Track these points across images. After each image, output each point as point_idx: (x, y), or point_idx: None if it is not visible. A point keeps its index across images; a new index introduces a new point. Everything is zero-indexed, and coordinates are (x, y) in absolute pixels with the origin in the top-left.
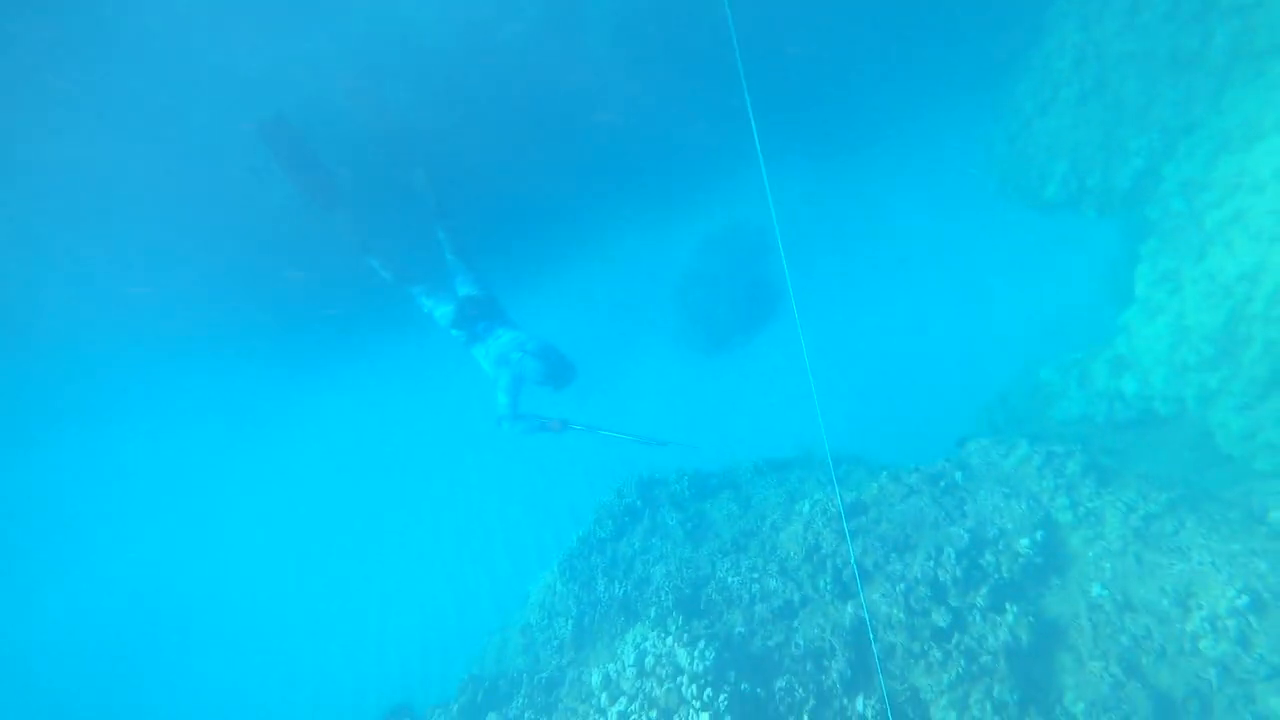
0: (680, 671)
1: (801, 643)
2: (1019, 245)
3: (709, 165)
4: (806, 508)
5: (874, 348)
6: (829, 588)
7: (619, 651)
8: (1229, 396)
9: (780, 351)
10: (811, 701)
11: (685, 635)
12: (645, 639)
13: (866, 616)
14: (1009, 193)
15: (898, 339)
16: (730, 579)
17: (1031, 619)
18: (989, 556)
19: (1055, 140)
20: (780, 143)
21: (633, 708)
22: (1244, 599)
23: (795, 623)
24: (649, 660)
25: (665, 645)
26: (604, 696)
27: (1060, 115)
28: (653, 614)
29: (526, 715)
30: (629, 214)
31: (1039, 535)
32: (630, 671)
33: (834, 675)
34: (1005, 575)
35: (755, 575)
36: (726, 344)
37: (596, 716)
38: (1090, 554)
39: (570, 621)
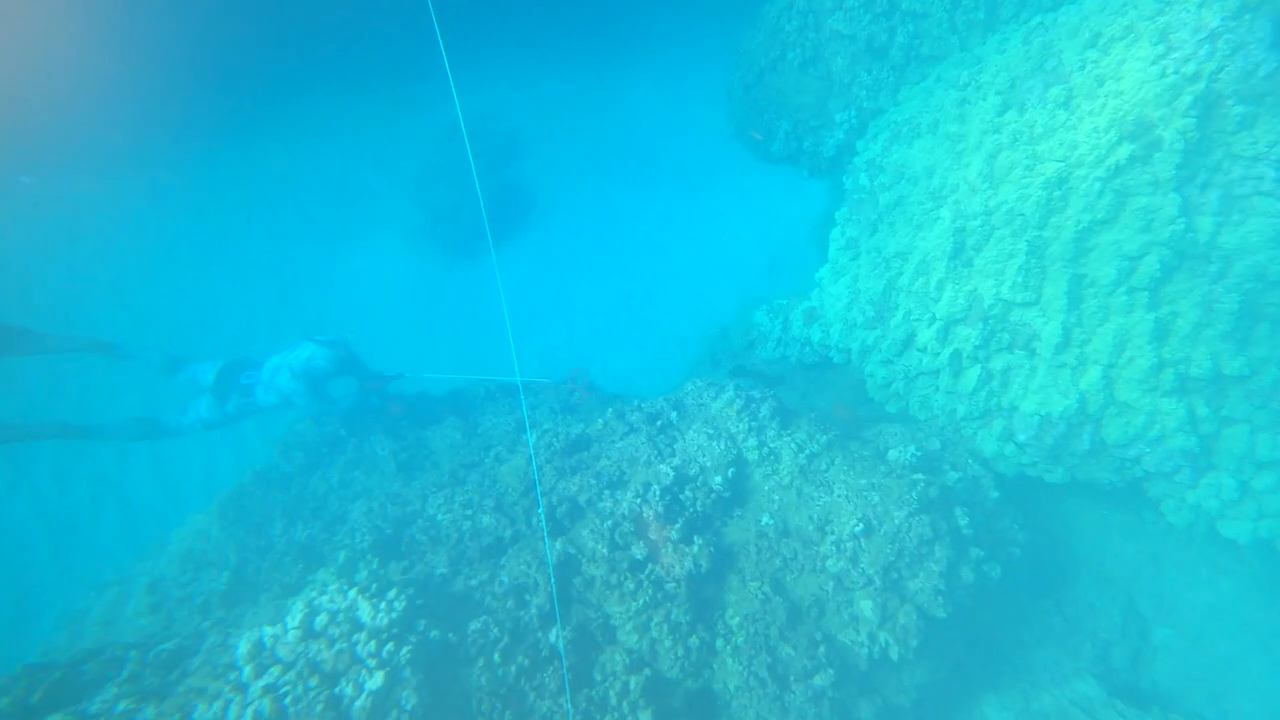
0: (359, 628)
1: (506, 580)
2: (754, 187)
3: (440, 49)
4: (533, 439)
5: (622, 268)
6: (541, 524)
7: (288, 608)
8: (878, 352)
9: (532, 265)
10: (505, 640)
11: (374, 584)
12: (322, 593)
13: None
14: (743, 139)
15: (644, 261)
16: (441, 516)
17: (713, 549)
18: (688, 492)
19: (782, 98)
20: (535, 34)
21: (286, 678)
22: (860, 526)
23: (503, 560)
24: (320, 619)
25: (345, 599)
26: (249, 669)
27: (786, 75)
28: (341, 559)
29: (118, 708)
30: (345, 85)
31: (730, 472)
32: (293, 635)
33: (533, 610)
34: (699, 509)
35: (469, 512)
36: (472, 251)
37: (231, 695)
38: (766, 487)
39: (226, 573)
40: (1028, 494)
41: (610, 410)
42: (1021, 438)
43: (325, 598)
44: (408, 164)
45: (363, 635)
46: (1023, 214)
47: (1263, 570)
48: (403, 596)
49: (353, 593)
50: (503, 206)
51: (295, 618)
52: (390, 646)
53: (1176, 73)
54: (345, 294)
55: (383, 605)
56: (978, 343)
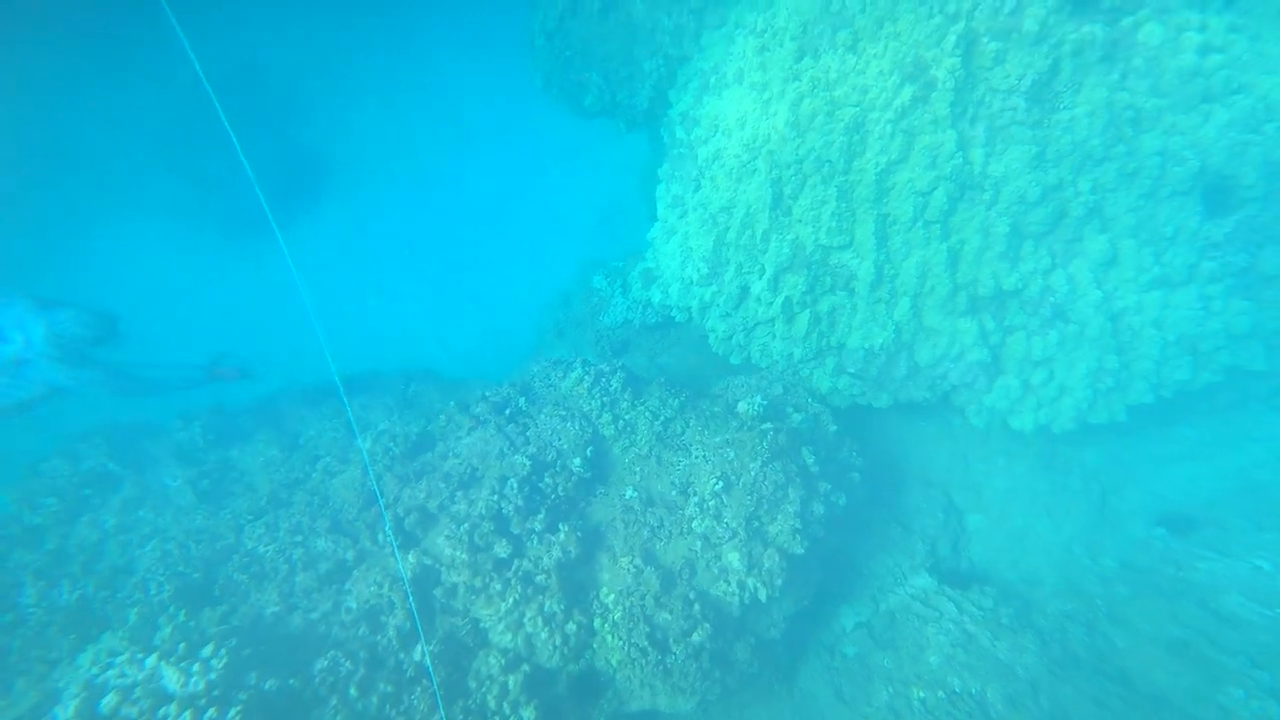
0: (166, 699)
1: (354, 605)
2: (575, 141)
3: None
4: (369, 443)
5: (442, 238)
6: (388, 539)
7: (59, 693)
8: (716, 307)
9: (339, 238)
10: (361, 671)
11: (182, 644)
12: (107, 667)
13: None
14: (554, 93)
15: (468, 228)
16: (262, 548)
17: (580, 533)
18: (548, 479)
19: (587, 47)
20: None
21: None
22: (719, 484)
23: (348, 584)
24: (109, 700)
25: (142, 669)
26: None
27: (588, 22)
28: (133, 618)
29: None
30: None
31: (589, 451)
32: None
33: (390, 631)
34: (561, 494)
35: (298, 538)
36: (255, 227)
37: None
38: (626, 460)
39: None
40: (859, 420)
41: (452, 403)
42: (851, 370)
43: (113, 672)
44: (151, 127)
45: (173, 707)
46: (830, 160)
47: (1043, 450)
48: (223, 651)
49: (152, 659)
50: (290, 173)
51: (69, 707)
52: (212, 712)
53: (941, 12)
54: (100, 290)
55: (195, 667)
56: (805, 288)
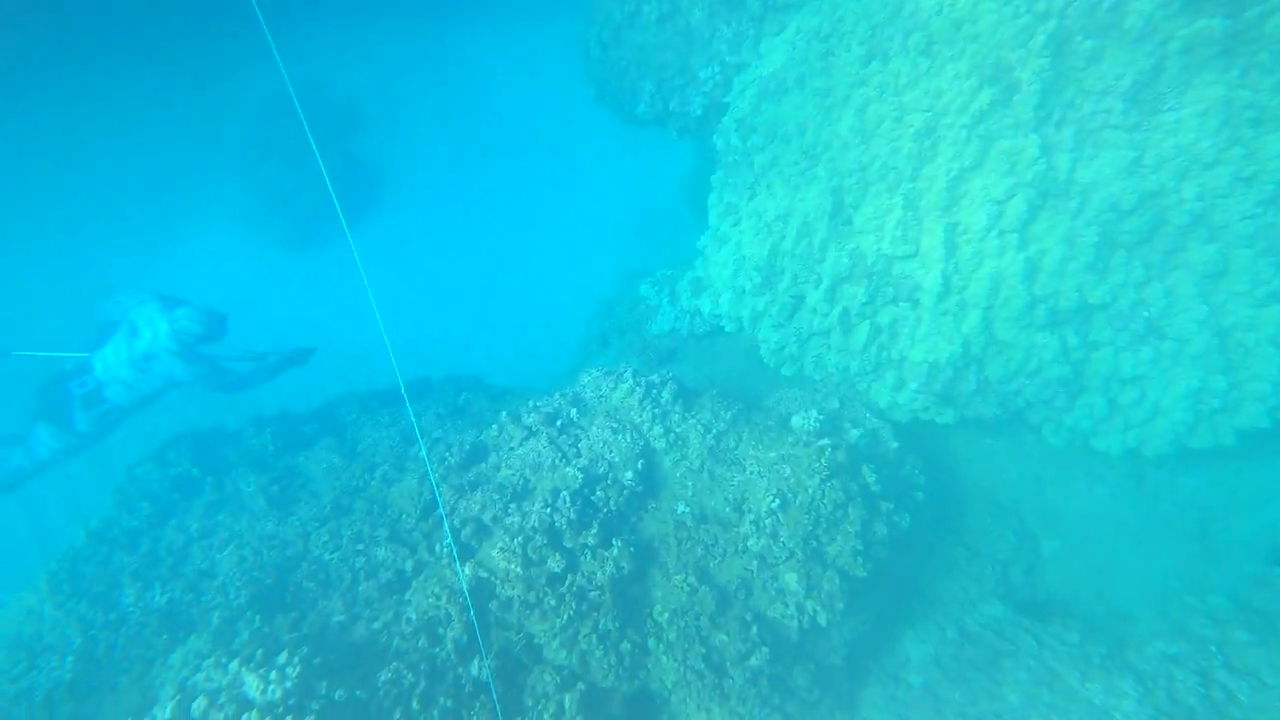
0: (249, 706)
1: (414, 616)
2: (620, 148)
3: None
4: (424, 452)
5: (487, 248)
6: (445, 551)
7: (155, 689)
8: (768, 317)
9: (390, 250)
10: (422, 684)
11: (259, 650)
12: (196, 670)
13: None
14: (607, 102)
15: (512, 238)
16: (328, 555)
17: (633, 548)
18: (599, 493)
19: (643, 56)
20: None
21: None
22: (776, 501)
23: (407, 595)
24: (199, 704)
25: (227, 674)
26: None
27: (645, 31)
28: (215, 621)
29: None
30: (136, 50)
31: (640, 465)
32: None
33: (449, 645)
34: (613, 508)
35: (360, 546)
36: (318, 238)
37: None
38: (677, 474)
39: (69, 658)
40: (922, 436)
41: (504, 413)
42: (913, 386)
43: (201, 675)
44: (229, 143)
45: (254, 714)
46: (895, 167)
47: (1130, 473)
48: (296, 659)
49: (234, 664)
50: (348, 185)
51: (166, 708)
52: None
53: (1029, 11)
54: (182, 290)
55: (273, 675)
56: (864, 299)
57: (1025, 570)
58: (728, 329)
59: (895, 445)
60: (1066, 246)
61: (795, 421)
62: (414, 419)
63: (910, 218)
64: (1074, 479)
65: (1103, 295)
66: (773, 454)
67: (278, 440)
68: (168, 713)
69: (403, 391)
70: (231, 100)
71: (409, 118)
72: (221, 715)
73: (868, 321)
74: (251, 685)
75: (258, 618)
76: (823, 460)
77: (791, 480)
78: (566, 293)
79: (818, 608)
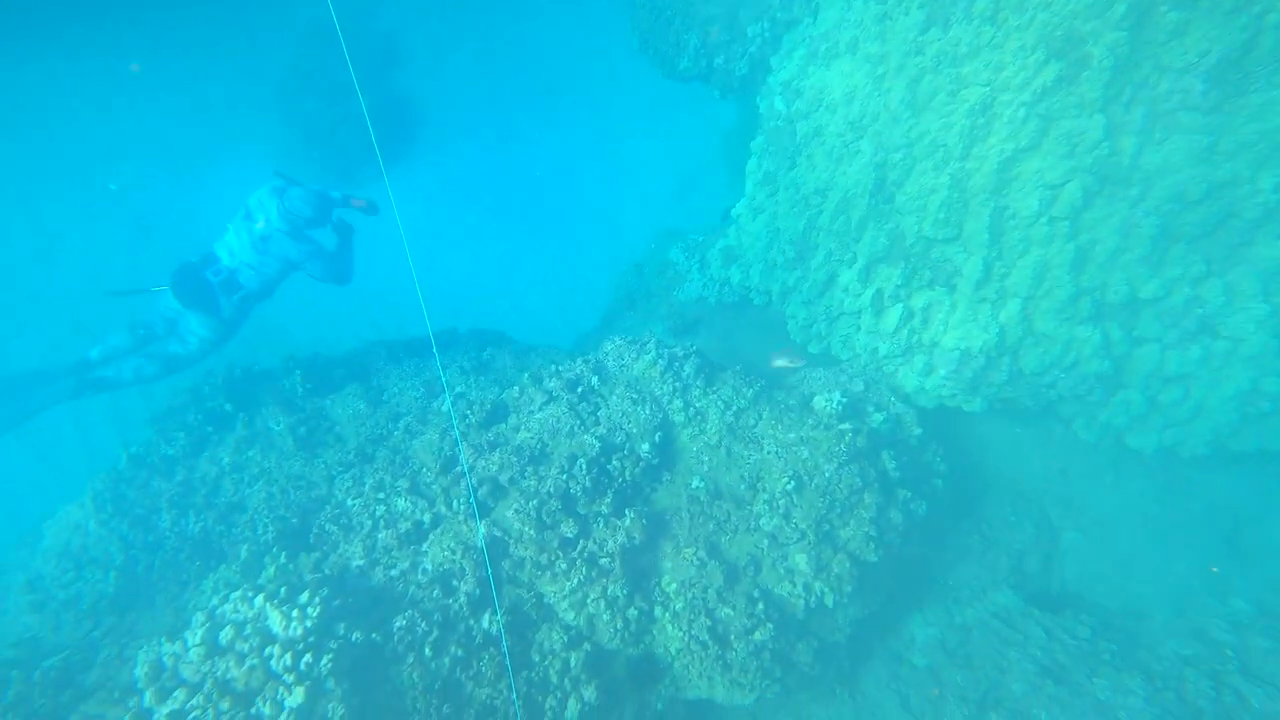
0: (271, 640)
1: (430, 568)
2: (662, 99)
3: None
4: (446, 406)
5: (521, 195)
6: (463, 507)
7: (187, 612)
8: (799, 293)
9: (420, 192)
10: (435, 633)
11: (283, 587)
12: (225, 600)
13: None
14: (649, 54)
15: (546, 186)
16: (351, 501)
17: (645, 519)
18: (616, 462)
19: (690, 8)
20: None
21: (193, 702)
22: (791, 483)
23: (424, 546)
24: (226, 633)
25: (252, 608)
26: (151, 694)
27: None
28: (244, 554)
29: None
30: None
31: (657, 437)
32: (195, 653)
33: (462, 598)
34: (628, 478)
35: (381, 495)
36: (354, 176)
37: None
38: (694, 449)
39: (112, 573)
40: (946, 421)
41: (526, 375)
42: (942, 372)
43: (229, 606)
44: (270, 72)
45: (276, 648)
46: (945, 144)
47: (1161, 470)
48: (317, 599)
49: (259, 599)
50: (386, 124)
51: (197, 633)
52: (308, 658)
53: None
54: (210, 222)
55: (295, 613)
56: (899, 281)
57: (1041, 561)
58: (756, 301)
59: (918, 432)
60: (1121, 237)
61: (817, 403)
62: (441, 373)
63: (956, 199)
64: (1102, 473)
65: (1155, 290)
66: (792, 435)
67: (307, 382)
68: (198, 637)
69: (433, 347)
70: (273, 26)
71: (449, 55)
72: (246, 646)
73: (901, 304)
74: (275, 620)
75: (283, 554)
76: (842, 445)
77: (809, 463)
78: (597, 245)
79: (825, 589)
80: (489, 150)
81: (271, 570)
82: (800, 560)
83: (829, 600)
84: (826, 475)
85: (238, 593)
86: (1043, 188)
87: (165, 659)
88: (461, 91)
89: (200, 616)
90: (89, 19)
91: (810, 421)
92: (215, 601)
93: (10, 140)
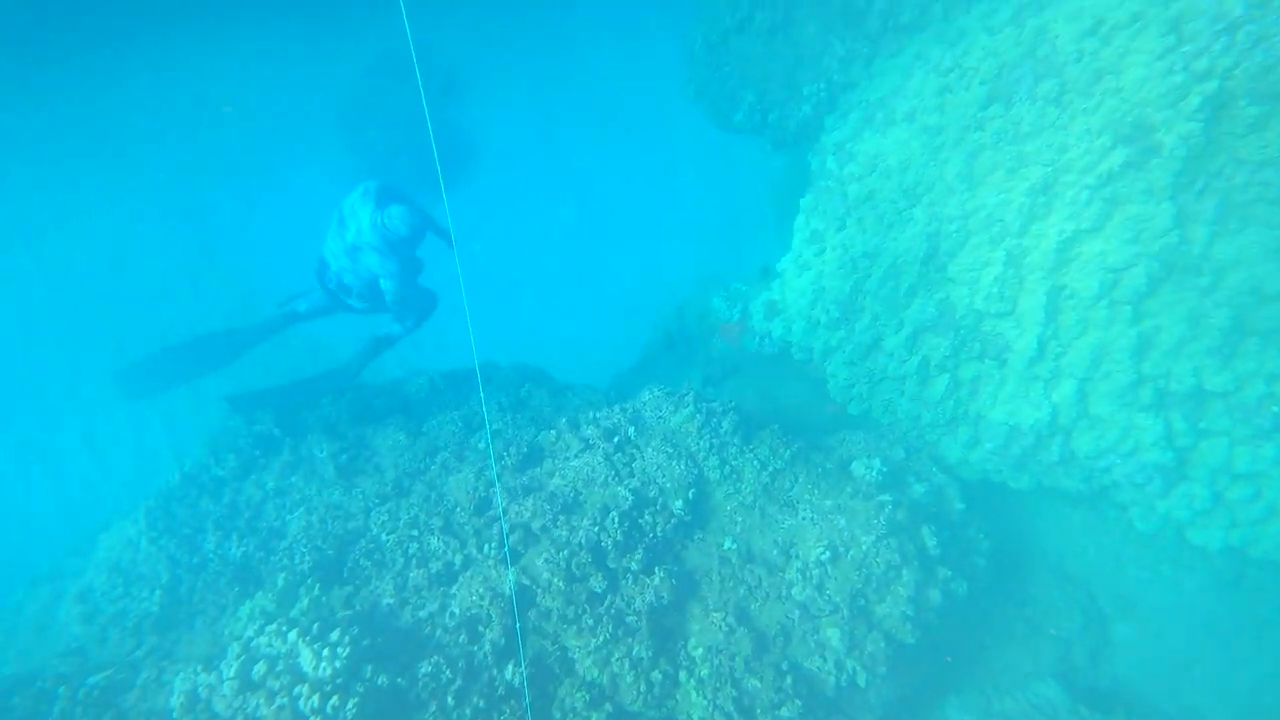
0: (301, 679)
1: (457, 611)
2: (710, 144)
3: None
4: (482, 444)
5: (568, 229)
6: (493, 551)
7: (224, 639)
8: (841, 353)
9: (469, 222)
10: (459, 681)
11: (316, 623)
12: (260, 633)
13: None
14: (704, 105)
15: (592, 224)
16: (385, 536)
17: (674, 579)
18: (648, 517)
19: (748, 65)
20: None
21: None
22: (826, 553)
23: (454, 589)
24: (259, 668)
25: (285, 643)
26: None
27: (754, 40)
28: (280, 583)
29: None
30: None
31: (691, 494)
32: (229, 686)
33: (487, 646)
34: (659, 534)
35: (415, 532)
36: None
37: None
38: (728, 508)
39: (158, 592)
40: (991, 496)
41: (564, 420)
42: (988, 446)
43: (264, 639)
44: (334, 99)
45: (305, 688)
46: (1002, 220)
47: (1227, 569)
48: (347, 639)
49: (293, 635)
50: (442, 154)
51: (232, 666)
52: (335, 700)
53: (1185, 69)
54: (269, 240)
55: (325, 652)
56: (947, 351)
57: (1090, 653)
58: (796, 357)
59: (960, 506)
60: (1188, 326)
61: (856, 469)
62: (485, 413)
63: (1011, 275)
64: (1159, 565)
65: (1224, 383)
66: (829, 502)
67: (352, 410)
68: (233, 670)
69: (479, 383)
70: (341, 58)
71: (505, 90)
72: (277, 684)
73: (948, 374)
74: (306, 658)
75: (317, 586)
76: (880, 518)
77: (846, 533)
78: (640, 283)
79: (858, 667)
80: (537, 182)
81: (306, 602)
82: (832, 635)
83: (861, 680)
84: (864, 548)
85: (273, 625)
86: (1104, 270)
87: (200, 690)
88: (515, 125)
89: (236, 648)
90: (173, 41)
91: (849, 489)
92: (251, 632)
93: (89, 155)
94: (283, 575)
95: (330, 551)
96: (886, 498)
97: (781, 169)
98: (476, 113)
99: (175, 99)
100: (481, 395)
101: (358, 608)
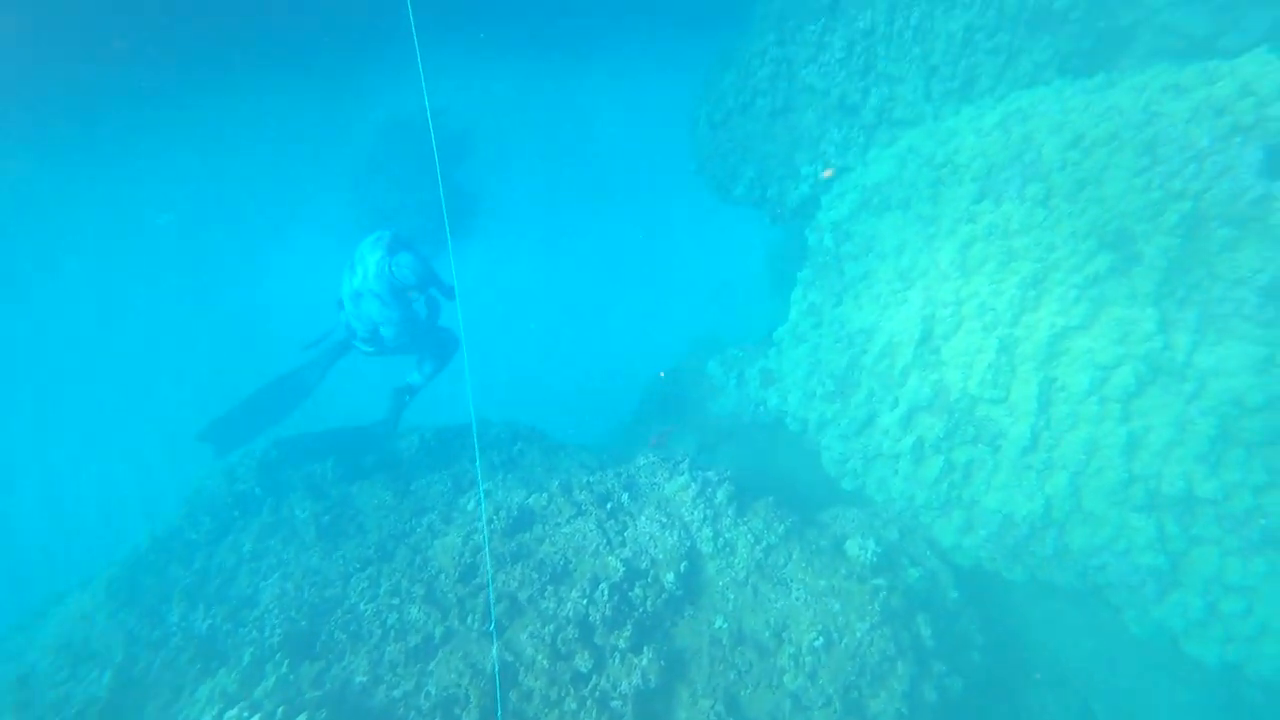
0: None
1: (434, 691)
2: (708, 214)
3: (381, 38)
4: (470, 506)
5: (565, 288)
6: (477, 624)
7: None
8: (836, 427)
9: (470, 278)
10: None
11: (281, 706)
12: (219, 716)
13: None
14: (705, 178)
15: (590, 281)
16: (364, 605)
17: (663, 660)
18: (638, 590)
19: (749, 143)
20: (495, 29)
21: None
22: (819, 639)
23: (432, 665)
24: None
25: None
26: None
27: (755, 121)
28: (246, 659)
29: None
30: (285, 58)
31: (683, 566)
32: None
33: None
34: (649, 609)
35: (396, 601)
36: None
37: None
38: (720, 583)
39: (109, 673)
40: (985, 585)
41: (556, 483)
42: (982, 533)
43: None
44: (344, 157)
45: None
46: (994, 309)
47: (1224, 687)
48: None
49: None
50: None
51: None
52: None
53: (1162, 187)
54: (270, 292)
55: None
56: (941, 434)
57: None
58: (791, 426)
59: (955, 595)
60: (1176, 430)
61: (851, 549)
62: (479, 480)
63: (1003, 362)
64: (1155, 673)
65: (1213, 490)
66: (823, 582)
67: (339, 468)
68: None
69: (475, 444)
70: (355, 118)
71: (512, 153)
72: None
73: (942, 456)
74: None
75: (286, 662)
76: (875, 604)
77: (840, 619)
78: (634, 343)
79: None
80: (536, 240)
81: (272, 681)
82: None
83: None
84: (858, 636)
85: (233, 711)
86: (1094, 367)
87: None
88: (517, 185)
89: None
90: (190, 101)
91: (843, 571)
92: (208, 718)
93: (98, 205)
94: (250, 650)
95: (304, 623)
96: (881, 581)
97: (778, 238)
98: (482, 172)
99: (184, 160)
100: (478, 464)
101: (328, 687)
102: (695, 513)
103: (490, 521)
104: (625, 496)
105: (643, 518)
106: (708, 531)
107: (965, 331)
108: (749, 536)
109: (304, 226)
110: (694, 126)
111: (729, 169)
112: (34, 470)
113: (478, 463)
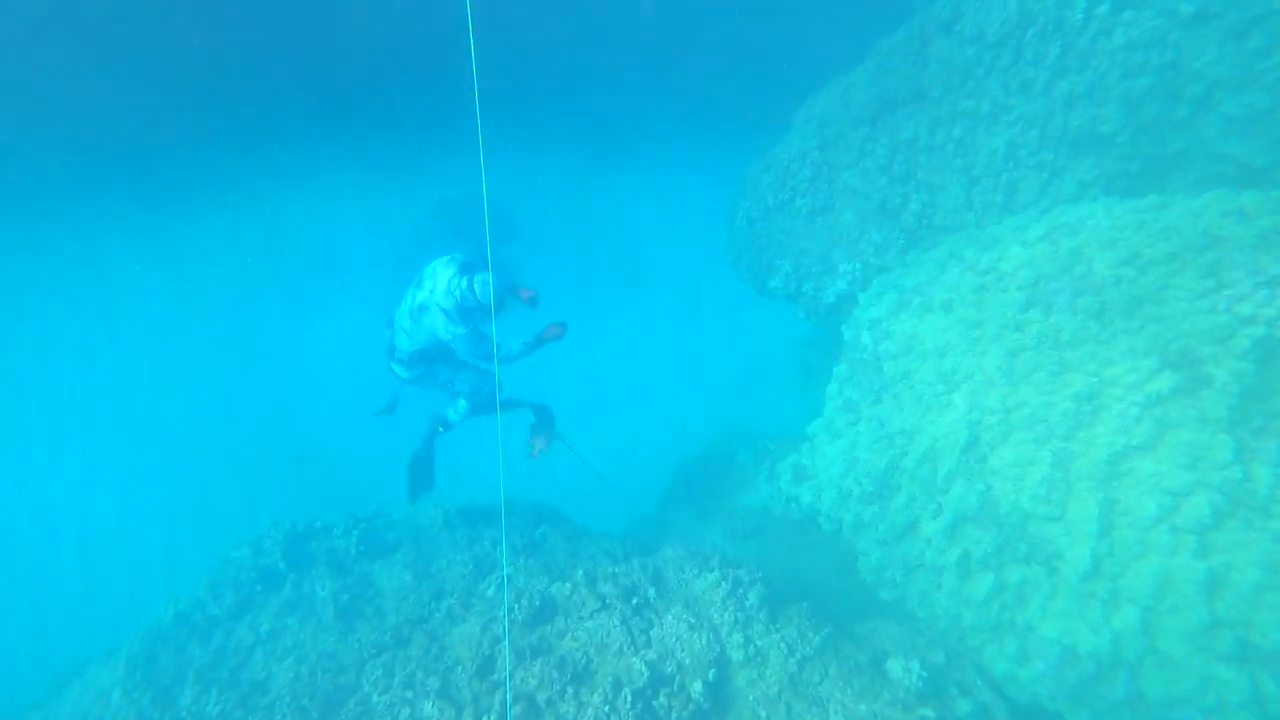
0: None
1: None
2: (739, 301)
3: (441, 128)
4: (491, 592)
5: (596, 372)
6: None
7: None
8: (874, 530)
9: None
10: None
11: None
12: None
13: None
14: (740, 270)
15: (622, 365)
16: (376, 697)
17: None
18: (663, 699)
19: (787, 240)
20: (543, 123)
21: None
22: None
23: None
24: None
25: None
26: None
27: (794, 219)
28: None
29: None
30: (352, 140)
31: (711, 675)
32: None
33: None
34: None
35: (409, 694)
36: None
37: None
38: (750, 697)
39: None
40: None
41: (580, 573)
42: (1039, 666)
43: None
44: (394, 236)
45: None
46: (1046, 420)
47: None
48: None
49: None
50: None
51: None
52: None
53: (1229, 311)
54: (311, 363)
55: None
56: (990, 549)
57: None
58: (824, 526)
59: None
60: (1264, 573)
61: (893, 670)
62: (504, 573)
63: (1059, 478)
64: None
65: None
66: (863, 707)
67: (361, 544)
68: None
69: (503, 533)
70: (409, 199)
71: (550, 237)
72: None
73: (991, 573)
74: None
75: None
76: None
77: None
78: (662, 424)
79: None
80: (567, 319)
81: None
82: None
83: None
84: None
85: None
86: (1161, 492)
87: None
88: (554, 267)
89: None
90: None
91: (886, 695)
92: None
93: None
94: None
95: (315, 714)
96: (930, 713)
97: (810, 331)
98: (521, 251)
99: (247, 231)
100: (503, 546)
101: None
102: (726, 615)
103: (511, 610)
104: (652, 591)
105: (669, 616)
106: (738, 637)
107: (1015, 442)
108: (782, 646)
109: (350, 299)
110: (731, 221)
111: (765, 262)
112: (73, 531)
113: (503, 544)
